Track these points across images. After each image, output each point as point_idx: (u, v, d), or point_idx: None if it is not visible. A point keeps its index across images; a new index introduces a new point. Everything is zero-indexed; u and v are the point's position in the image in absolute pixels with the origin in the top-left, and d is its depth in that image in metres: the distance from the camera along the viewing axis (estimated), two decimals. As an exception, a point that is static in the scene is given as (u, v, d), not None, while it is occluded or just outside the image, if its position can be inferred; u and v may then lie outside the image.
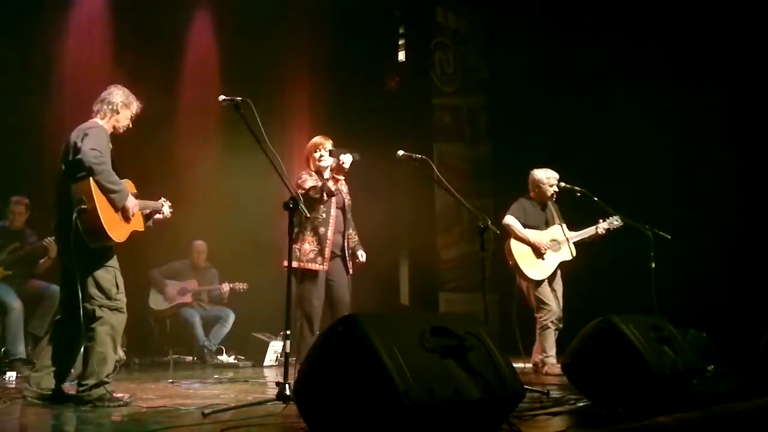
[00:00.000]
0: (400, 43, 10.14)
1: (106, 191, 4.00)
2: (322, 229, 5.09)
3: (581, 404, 3.89)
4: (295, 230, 5.05)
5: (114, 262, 4.17)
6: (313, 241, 5.08)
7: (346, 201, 5.28)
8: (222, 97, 4.15)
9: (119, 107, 4.23)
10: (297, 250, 5.02)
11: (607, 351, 3.69)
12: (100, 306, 4.07)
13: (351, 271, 5.27)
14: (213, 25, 8.70)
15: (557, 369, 5.58)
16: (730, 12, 8.08)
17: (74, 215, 3.92)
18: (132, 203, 4.16)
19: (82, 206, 3.93)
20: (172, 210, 4.65)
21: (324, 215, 5.11)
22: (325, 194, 4.97)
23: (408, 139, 8.13)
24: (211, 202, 8.14)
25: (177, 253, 7.92)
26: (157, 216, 4.56)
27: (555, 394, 4.33)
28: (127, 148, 6.84)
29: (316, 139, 5.29)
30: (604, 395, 3.72)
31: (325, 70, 9.16)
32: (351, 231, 5.33)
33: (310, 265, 5.04)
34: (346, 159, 5.00)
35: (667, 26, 8.50)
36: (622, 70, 8.69)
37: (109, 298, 4.09)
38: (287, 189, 4.16)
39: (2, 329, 6.10)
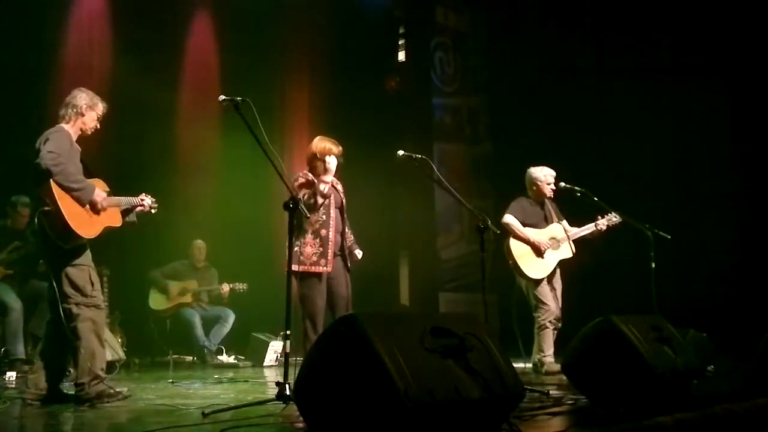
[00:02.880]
0: (400, 43, 10.14)
1: (67, 191, 4.06)
2: (323, 231, 5.09)
3: (581, 404, 3.89)
4: (295, 233, 5.08)
5: (86, 260, 4.22)
6: (314, 244, 5.07)
7: (343, 200, 5.29)
8: (222, 97, 4.16)
9: (83, 110, 4.30)
10: (299, 254, 5.03)
11: (607, 351, 3.69)
12: (77, 304, 4.13)
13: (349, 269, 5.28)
14: (213, 25, 8.70)
15: (556, 367, 5.59)
16: (730, 11, 8.08)
17: (39, 217, 4.02)
18: (100, 197, 4.21)
19: (45, 208, 4.02)
20: (156, 204, 4.67)
21: (324, 217, 5.10)
22: (318, 197, 4.97)
23: (408, 139, 8.13)
24: (211, 201, 8.14)
25: (177, 253, 7.92)
26: (139, 209, 4.58)
27: (555, 394, 4.33)
28: (126, 148, 6.89)
29: (328, 145, 5.19)
30: (604, 395, 3.72)
31: (324, 70, 9.16)
32: (347, 230, 5.35)
33: (314, 268, 5.05)
34: (332, 161, 5.02)
35: (666, 26, 8.51)
36: (622, 70, 8.70)
37: (84, 295, 4.14)
38: (287, 189, 4.16)
39: (2, 329, 6.10)
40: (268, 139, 4.06)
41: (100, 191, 4.24)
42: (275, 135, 4.35)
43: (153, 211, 4.68)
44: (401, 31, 10.14)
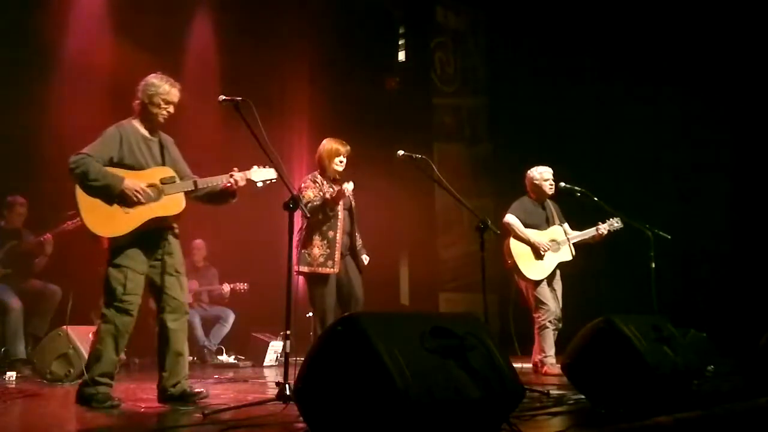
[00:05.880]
0: (400, 43, 10.15)
1: (93, 191, 3.94)
2: (330, 233, 5.12)
3: (581, 404, 3.89)
4: (303, 234, 5.12)
5: (126, 260, 4.01)
6: (322, 245, 5.10)
7: (353, 202, 5.31)
8: (222, 97, 4.15)
9: (145, 97, 4.15)
10: (307, 255, 5.06)
11: (607, 351, 3.69)
12: (107, 305, 4.04)
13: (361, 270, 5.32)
14: (213, 25, 8.70)
15: (556, 369, 5.58)
16: (729, 11, 8.08)
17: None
18: (132, 186, 3.98)
19: (71, 212, 4.06)
20: (273, 174, 4.29)
21: (332, 219, 5.13)
22: (320, 215, 5.02)
23: (408, 139, 8.11)
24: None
25: (177, 253, 7.90)
26: (227, 185, 4.27)
27: (555, 394, 4.32)
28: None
29: (336, 146, 5.25)
30: (604, 395, 3.72)
31: (325, 70, 9.16)
32: (356, 233, 5.36)
33: (321, 270, 5.08)
34: (349, 187, 5.06)
35: (666, 26, 8.51)
36: (622, 70, 8.70)
37: (114, 298, 4.01)
38: (287, 189, 4.16)
39: (2, 329, 6.09)
40: (268, 139, 4.06)
41: (133, 182, 3.99)
42: (275, 135, 4.31)
43: (269, 181, 4.29)
44: (401, 31, 10.15)
